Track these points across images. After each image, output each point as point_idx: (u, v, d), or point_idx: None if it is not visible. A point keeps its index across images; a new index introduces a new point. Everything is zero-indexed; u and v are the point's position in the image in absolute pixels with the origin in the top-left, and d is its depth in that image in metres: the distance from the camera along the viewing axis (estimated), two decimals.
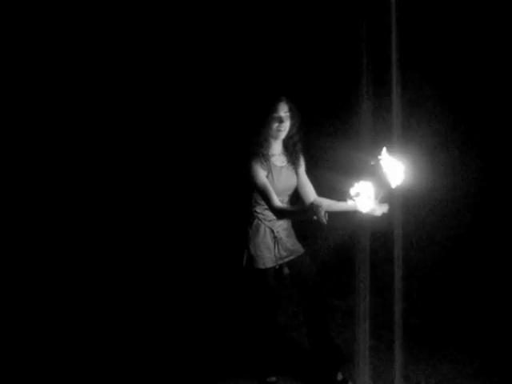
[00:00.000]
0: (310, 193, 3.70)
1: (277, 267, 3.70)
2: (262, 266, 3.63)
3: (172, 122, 6.31)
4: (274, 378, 3.94)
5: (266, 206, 3.58)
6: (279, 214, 3.49)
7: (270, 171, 3.58)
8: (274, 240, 3.66)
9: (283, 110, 3.51)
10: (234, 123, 5.69)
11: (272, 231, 3.66)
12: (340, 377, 3.85)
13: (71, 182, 6.11)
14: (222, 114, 6.17)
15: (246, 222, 3.65)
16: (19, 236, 5.83)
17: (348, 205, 3.33)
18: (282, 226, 3.71)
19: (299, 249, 3.77)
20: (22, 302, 5.07)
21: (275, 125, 3.51)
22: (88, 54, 6.15)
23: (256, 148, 3.56)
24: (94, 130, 6.22)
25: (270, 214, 3.60)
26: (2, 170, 5.91)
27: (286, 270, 3.72)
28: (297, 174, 3.70)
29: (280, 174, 3.62)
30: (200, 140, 6.29)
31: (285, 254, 3.71)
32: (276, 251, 3.67)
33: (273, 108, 3.50)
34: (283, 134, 3.56)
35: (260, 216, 3.64)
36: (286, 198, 3.70)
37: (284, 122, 3.51)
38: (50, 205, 6.05)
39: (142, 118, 6.30)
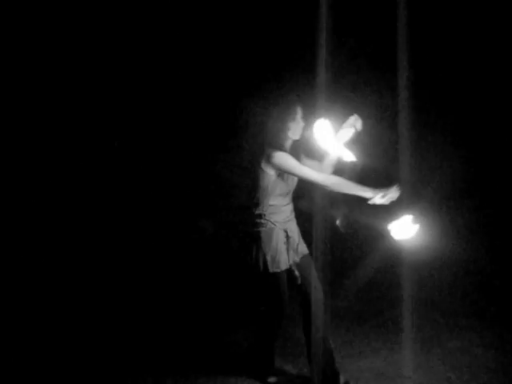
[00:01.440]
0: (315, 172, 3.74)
1: (290, 268, 3.70)
2: (277, 270, 3.63)
3: (177, 124, 6.32)
4: (274, 379, 3.93)
5: (277, 209, 3.63)
6: (334, 184, 3.55)
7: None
8: (286, 241, 3.67)
9: (301, 112, 3.62)
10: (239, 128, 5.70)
11: (285, 232, 3.67)
12: (342, 380, 3.83)
13: (71, 182, 6.12)
14: (230, 118, 6.17)
15: (259, 226, 3.65)
16: (19, 236, 5.83)
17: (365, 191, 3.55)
18: (292, 226, 3.74)
19: (305, 249, 3.79)
20: (22, 302, 5.07)
21: (294, 125, 3.61)
22: (88, 54, 6.15)
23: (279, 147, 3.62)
24: (94, 130, 6.22)
25: (282, 216, 3.66)
26: (1, 170, 5.91)
27: (297, 273, 3.71)
28: None
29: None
30: (209, 144, 6.30)
31: (295, 254, 3.72)
32: (290, 252, 3.68)
33: (294, 110, 3.61)
34: (299, 135, 3.66)
35: (272, 219, 3.64)
36: (290, 198, 3.74)
37: (301, 123, 3.63)
38: (50, 205, 6.05)
39: (146, 118, 6.29)
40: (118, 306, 5.11)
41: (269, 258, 3.62)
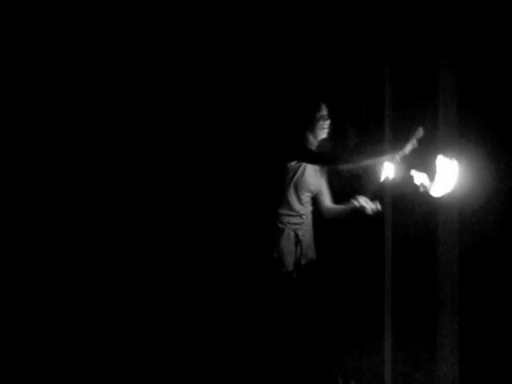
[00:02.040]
0: (327, 197, 3.77)
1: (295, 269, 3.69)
2: (283, 270, 3.62)
3: (188, 121, 6.27)
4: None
5: (292, 209, 3.59)
6: (350, 159, 3.51)
7: (303, 166, 3.59)
8: (296, 244, 3.64)
9: (326, 109, 3.57)
10: (263, 125, 5.64)
11: (296, 235, 3.64)
12: (341, 382, 3.82)
13: (71, 182, 6.09)
14: (250, 114, 6.12)
15: (270, 225, 3.63)
16: (19, 236, 5.82)
17: (351, 206, 3.59)
18: (305, 229, 3.69)
19: (313, 255, 3.76)
20: (22, 302, 5.06)
21: (320, 123, 3.56)
22: (88, 54, 6.14)
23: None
24: (94, 130, 6.21)
25: (296, 218, 3.62)
26: (2, 170, 5.90)
27: (295, 275, 3.69)
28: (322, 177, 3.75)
29: (311, 171, 3.63)
30: (224, 142, 6.26)
31: (303, 258, 3.70)
32: (298, 255, 3.65)
33: (318, 107, 3.56)
34: (326, 133, 3.60)
35: (285, 220, 3.61)
36: (308, 199, 3.69)
37: (328, 120, 3.57)
38: (50, 205, 6.03)
39: (158, 117, 6.24)
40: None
41: (276, 258, 3.61)
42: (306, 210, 3.67)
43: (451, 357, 4.05)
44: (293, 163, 3.54)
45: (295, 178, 3.56)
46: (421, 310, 4.83)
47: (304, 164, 3.57)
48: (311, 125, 3.56)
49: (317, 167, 3.65)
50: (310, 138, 3.58)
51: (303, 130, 3.58)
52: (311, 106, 3.57)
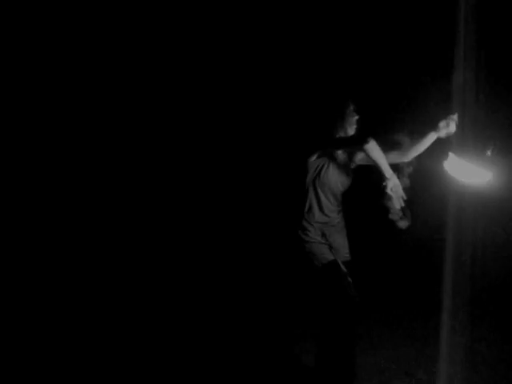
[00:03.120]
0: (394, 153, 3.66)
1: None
2: (324, 261, 3.54)
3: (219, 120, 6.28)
4: None
5: (315, 211, 3.57)
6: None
7: (328, 162, 3.59)
8: (324, 241, 3.60)
9: (354, 105, 3.63)
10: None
11: (323, 234, 3.59)
12: None
13: (71, 181, 6.12)
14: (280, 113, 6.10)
15: (296, 225, 3.61)
16: (19, 236, 5.84)
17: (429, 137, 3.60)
18: (333, 229, 3.64)
19: (345, 255, 3.69)
20: (22, 302, 5.08)
21: (350, 119, 3.60)
22: (88, 53, 6.15)
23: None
24: (96, 130, 6.22)
25: (320, 219, 3.58)
26: (2, 170, 5.92)
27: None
28: (353, 163, 3.71)
29: (335, 170, 3.60)
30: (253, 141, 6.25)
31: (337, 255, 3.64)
32: (333, 252, 3.61)
33: (348, 102, 3.61)
34: (354, 129, 3.62)
35: (310, 219, 3.58)
36: (335, 198, 3.64)
37: (356, 116, 3.62)
38: (50, 205, 6.05)
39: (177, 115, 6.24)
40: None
41: (309, 251, 3.57)
42: (333, 208, 3.63)
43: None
44: (313, 159, 3.55)
45: (316, 176, 3.56)
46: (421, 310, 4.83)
47: (326, 163, 3.57)
48: (341, 121, 3.58)
49: (343, 162, 3.65)
50: (341, 134, 3.60)
51: (334, 127, 3.60)
52: (341, 103, 3.60)
